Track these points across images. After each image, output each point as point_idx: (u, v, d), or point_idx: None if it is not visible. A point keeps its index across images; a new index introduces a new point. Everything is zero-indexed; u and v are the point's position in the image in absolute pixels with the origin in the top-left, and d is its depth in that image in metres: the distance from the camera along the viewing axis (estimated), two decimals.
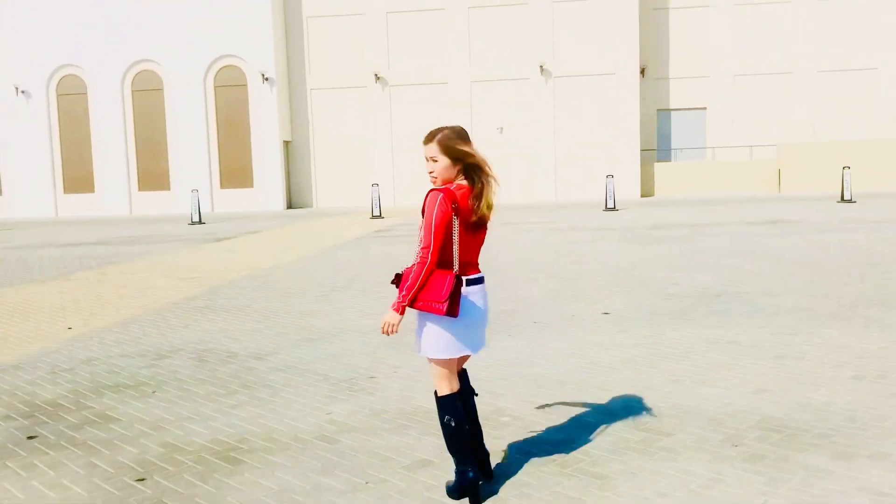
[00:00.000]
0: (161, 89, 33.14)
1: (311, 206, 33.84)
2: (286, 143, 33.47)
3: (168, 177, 33.47)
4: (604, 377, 5.43)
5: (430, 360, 3.46)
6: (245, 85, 32.59)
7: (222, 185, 33.14)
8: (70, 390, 5.54)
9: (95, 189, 33.93)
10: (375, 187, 25.47)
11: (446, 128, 3.43)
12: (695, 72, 33.29)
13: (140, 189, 33.74)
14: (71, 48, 33.19)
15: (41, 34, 33.20)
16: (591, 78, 31.79)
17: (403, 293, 3.32)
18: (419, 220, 3.37)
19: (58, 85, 33.74)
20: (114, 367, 6.16)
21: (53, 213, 34.18)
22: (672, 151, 33.92)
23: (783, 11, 32.64)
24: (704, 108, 33.53)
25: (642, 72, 32.24)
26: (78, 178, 34.08)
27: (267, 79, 32.09)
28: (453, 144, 3.35)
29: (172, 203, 33.23)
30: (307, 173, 33.88)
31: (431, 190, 3.35)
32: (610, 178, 24.53)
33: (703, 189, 32.03)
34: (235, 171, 33.07)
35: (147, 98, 33.29)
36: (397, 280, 3.40)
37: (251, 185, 33.05)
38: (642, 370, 5.58)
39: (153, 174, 33.59)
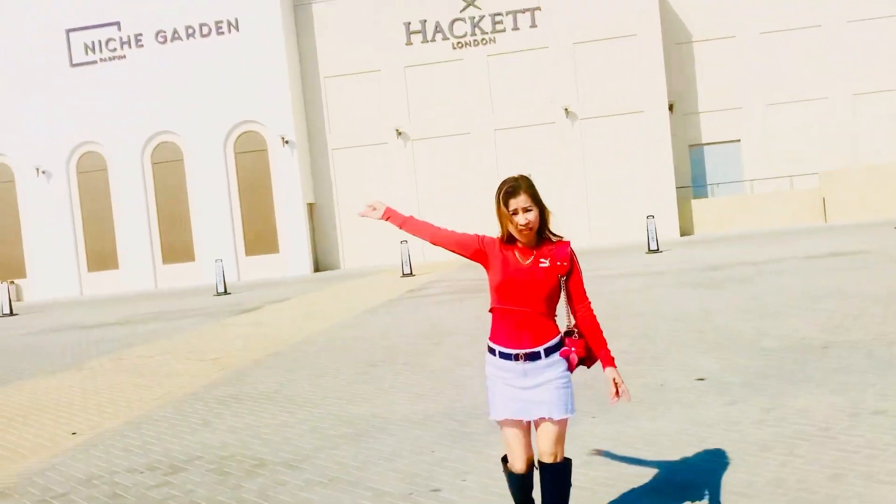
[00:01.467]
0: (181, 160, 32.69)
1: (338, 268, 32.91)
2: (310, 205, 32.73)
3: (192, 247, 32.79)
4: (738, 474, 4.19)
5: (563, 422, 3.27)
6: (265, 149, 32.04)
7: (247, 253, 32.37)
8: None
9: (119, 265, 33.30)
10: (404, 244, 24.47)
11: (520, 176, 3.27)
12: (725, 104, 32.25)
13: (164, 262, 33.06)
14: (89, 125, 32.96)
15: (60, 114, 33.05)
16: (618, 117, 30.84)
17: (606, 345, 3.32)
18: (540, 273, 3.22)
19: (78, 163, 33.44)
20: (117, 489, 5.03)
21: (78, 291, 33.56)
22: (708, 187, 32.69)
23: (812, 37, 31.63)
24: (738, 141, 32.37)
25: (671, 108, 31.24)
26: (101, 255, 33.51)
27: (287, 142, 31.52)
28: (538, 193, 3.22)
29: (198, 274, 32.47)
30: (333, 234, 33.05)
31: (563, 242, 3.28)
32: (651, 219, 23.32)
33: (743, 224, 30.67)
34: (260, 237, 32.32)
35: (167, 169, 32.84)
36: (566, 337, 3.28)
37: (276, 251, 32.23)
38: (783, 459, 4.34)
39: (177, 246, 32.93)
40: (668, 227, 30.10)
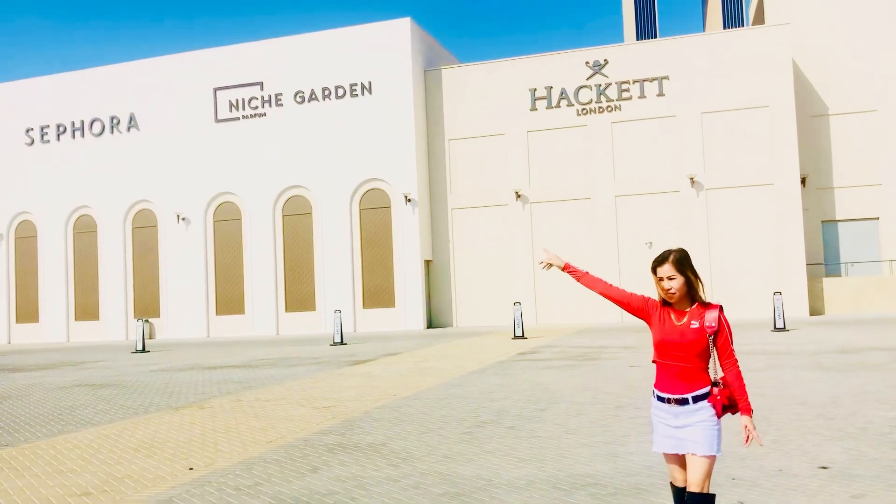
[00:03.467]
0: (310, 213, 34.14)
1: (451, 326, 33.15)
2: (427, 262, 33.33)
3: (314, 297, 33.94)
4: None
5: (708, 459, 3.74)
6: (389, 206, 33.03)
7: (365, 305, 33.19)
8: None
9: (245, 310, 34.84)
10: (517, 306, 24.43)
11: (675, 249, 3.88)
12: (863, 180, 30.78)
13: (287, 310, 34.34)
14: (227, 177, 35.09)
15: (202, 165, 35.38)
16: (746, 189, 29.97)
17: (746, 396, 3.79)
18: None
19: (215, 212, 35.51)
20: None
21: (206, 333, 35.27)
22: (841, 265, 31.03)
23: None
24: (877, 219, 30.71)
25: (803, 181, 30.09)
26: (230, 299, 35.20)
27: (409, 200, 32.40)
28: (685, 265, 3.81)
29: (317, 323, 33.51)
30: (447, 292, 33.42)
31: (713, 305, 3.83)
32: (778, 296, 22.32)
33: (880, 306, 28.85)
34: (378, 291, 33.10)
35: (296, 222, 34.36)
36: (713, 387, 3.76)
37: (392, 305, 32.88)
38: None
39: (300, 295, 34.18)
40: (797, 306, 28.69)
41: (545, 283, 31.83)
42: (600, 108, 31.64)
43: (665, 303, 3.85)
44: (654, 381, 3.91)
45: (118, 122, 37.12)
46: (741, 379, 3.79)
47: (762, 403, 9.31)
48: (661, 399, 3.82)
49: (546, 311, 31.67)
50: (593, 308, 30.73)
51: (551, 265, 4.32)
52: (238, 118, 35.19)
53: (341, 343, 24.87)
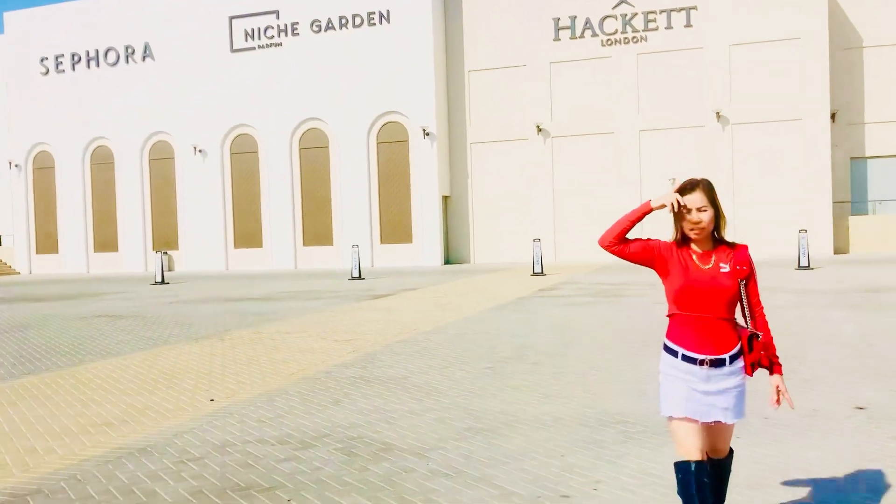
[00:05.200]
0: (327, 146, 33.77)
1: (468, 262, 33.03)
2: (445, 197, 33.03)
3: (331, 232, 33.84)
4: None
5: (734, 424, 3.34)
6: (406, 140, 32.58)
7: (382, 241, 33.07)
8: (192, 491, 4.53)
9: (263, 244, 34.86)
10: (537, 242, 24.18)
11: (702, 178, 3.31)
12: (894, 115, 29.86)
13: (305, 244, 34.30)
14: (244, 109, 34.65)
15: (218, 97, 34.91)
16: (773, 124, 29.22)
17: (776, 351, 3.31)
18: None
19: (232, 144, 35.22)
20: (249, 458, 5.14)
21: (224, 266, 35.39)
22: (869, 203, 30.42)
23: None
24: None
25: (833, 117, 29.28)
26: (247, 233, 35.18)
27: (428, 133, 31.91)
28: (715, 196, 3.26)
29: (335, 258, 33.50)
30: (465, 228, 33.18)
31: (741, 246, 3.28)
32: (803, 234, 21.93)
33: None
34: (395, 227, 32.93)
35: (313, 155, 34.01)
36: (753, 340, 3.23)
37: (410, 241, 32.74)
38: None
39: (317, 229, 34.09)
40: (822, 244, 28.26)
41: (565, 220, 31.50)
42: (626, 38, 30.72)
43: (681, 243, 3.25)
44: (668, 336, 3.28)
45: (133, 52, 36.58)
46: (769, 331, 3.29)
47: (791, 342, 9.11)
48: (689, 360, 3.19)
49: (565, 248, 31.41)
50: None
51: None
52: (254, 48, 34.54)
53: (359, 278, 24.83)
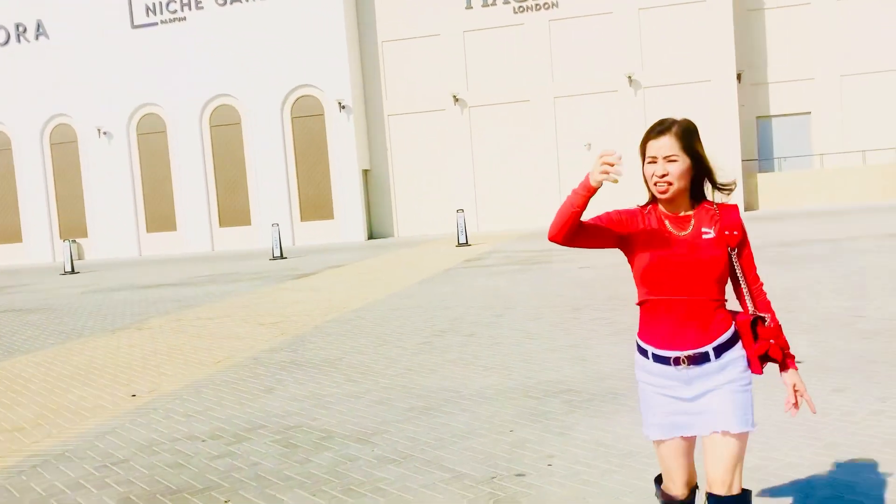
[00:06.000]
0: (239, 123, 32.71)
1: (392, 236, 32.72)
2: (365, 171, 32.52)
3: (248, 211, 32.92)
4: (864, 473, 3.74)
5: (739, 438, 2.48)
6: (322, 114, 31.84)
7: (302, 218, 32.37)
8: (119, 499, 4.18)
9: (177, 227, 33.66)
10: (460, 213, 24.06)
11: (681, 119, 2.58)
12: (796, 74, 30.86)
13: (221, 225, 33.28)
14: (149, 87, 33.15)
15: (121, 76, 33.28)
16: (683, 87, 29.79)
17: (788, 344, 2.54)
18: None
19: (138, 124, 33.73)
20: (179, 457, 4.80)
21: (137, 252, 34.06)
22: (775, 161, 31.47)
23: (891, 4, 29.96)
24: (809, 113, 31.01)
25: (739, 77, 30.03)
26: (160, 216, 33.89)
27: (344, 107, 31.25)
28: (694, 142, 2.54)
29: (253, 237, 32.63)
30: (387, 202, 32.80)
31: (729, 206, 2.60)
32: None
33: (812, 200, 29.48)
34: (315, 203, 32.26)
35: (225, 133, 32.90)
36: (759, 325, 2.50)
37: (331, 217, 32.16)
38: None
39: (234, 209, 33.09)
40: (733, 201, 29.04)
41: (486, 190, 31.48)
42: (537, 5, 30.66)
43: (650, 207, 2.55)
44: (638, 333, 2.61)
45: (24, 30, 34.44)
46: (775, 314, 2.55)
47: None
48: (661, 360, 2.50)
49: (488, 217, 31.43)
50: (534, 212, 30.63)
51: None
52: (156, 23, 32.96)
53: (281, 257, 24.23)
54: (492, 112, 31.43)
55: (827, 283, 9.84)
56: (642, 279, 2.53)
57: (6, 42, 34.68)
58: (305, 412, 5.64)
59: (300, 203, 32.35)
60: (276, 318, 10.67)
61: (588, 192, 2.32)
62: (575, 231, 2.39)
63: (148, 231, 34.08)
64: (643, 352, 2.59)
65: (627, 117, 30.17)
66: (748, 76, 30.99)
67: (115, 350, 9.11)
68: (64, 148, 34.68)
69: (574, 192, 2.36)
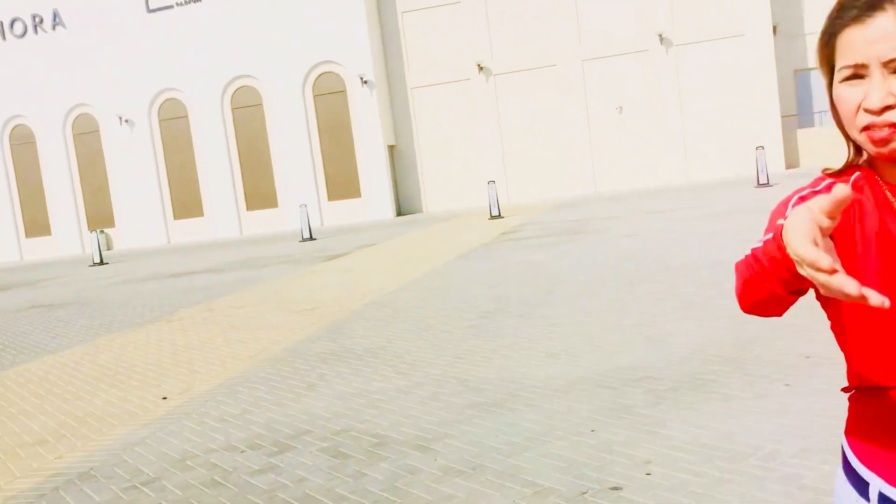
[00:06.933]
0: (261, 104, 32.14)
1: (420, 212, 32.08)
2: (390, 147, 31.84)
3: (275, 193, 32.44)
4: None
5: None
6: (344, 91, 31.14)
7: (330, 198, 31.82)
8: None
9: (204, 212, 33.32)
10: (492, 185, 23.35)
11: None
12: None
13: (248, 209, 32.87)
14: (169, 72, 32.66)
15: (139, 61, 32.83)
16: (717, 42, 28.62)
17: None
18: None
19: (160, 110, 33.31)
20: (216, 473, 4.24)
21: (165, 239, 33.82)
22: (815, 115, 30.24)
23: None
24: None
25: (774, 30, 28.79)
26: (186, 202, 33.55)
27: (366, 82, 30.52)
28: None
29: (281, 220, 32.19)
30: (414, 177, 32.12)
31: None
32: (760, 151, 21.51)
33: None
34: (342, 182, 31.68)
35: (248, 115, 32.36)
36: None
37: (359, 195, 31.57)
38: None
39: (260, 192, 32.64)
40: (773, 160, 28.00)
41: (515, 160, 30.67)
42: None
43: (854, 172, 1.28)
44: (850, 444, 1.35)
45: (41, 21, 34.06)
46: None
47: None
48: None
49: (518, 188, 30.64)
50: (566, 181, 29.82)
51: None
52: (171, 6, 32.37)
53: (310, 238, 23.72)
54: (518, 79, 30.51)
55: None
56: (861, 340, 1.27)
57: (24, 34, 34.33)
58: (353, 413, 5.06)
59: (326, 182, 31.79)
60: (310, 305, 10.12)
61: (779, 255, 1.10)
62: (773, 298, 1.19)
63: (175, 218, 33.78)
64: (859, 483, 1.31)
65: (659, 77, 29.11)
66: (784, 28, 29.69)
67: (145, 346, 8.62)
68: (86, 138, 34.40)
69: (760, 257, 1.17)
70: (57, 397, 6.62)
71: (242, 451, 4.56)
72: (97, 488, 4.25)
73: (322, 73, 31.30)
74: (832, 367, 4.67)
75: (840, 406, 3.87)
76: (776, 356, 5.09)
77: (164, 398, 6.12)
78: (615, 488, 3.41)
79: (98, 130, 34.13)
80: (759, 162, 21.16)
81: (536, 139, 30.35)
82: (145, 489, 4.14)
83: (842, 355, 1.35)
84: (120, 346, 8.77)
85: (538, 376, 5.36)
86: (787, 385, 4.49)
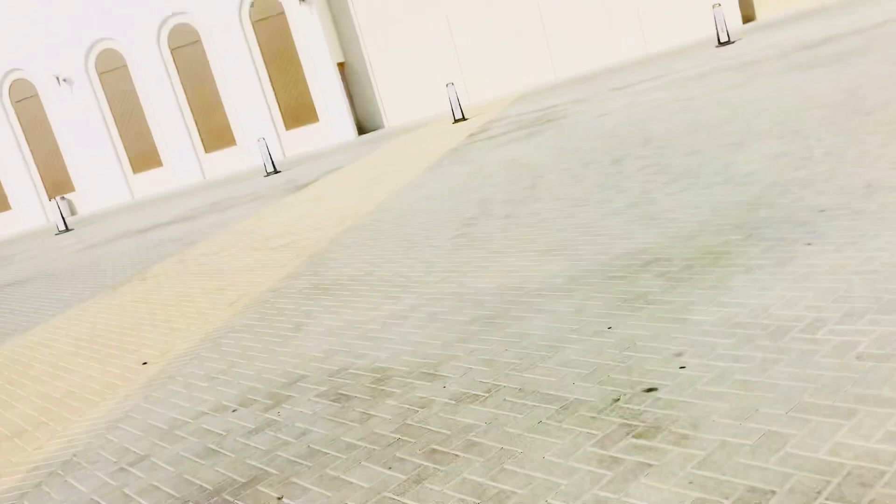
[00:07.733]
0: (199, 41, 30.70)
1: (382, 127, 31.23)
2: (340, 65, 30.68)
3: (231, 131, 31.41)
4: None
5: None
6: (283, 13, 29.74)
7: (287, 127, 30.86)
8: None
9: (163, 162, 32.29)
10: (451, 87, 22.55)
11: None
12: None
13: (207, 151, 31.88)
14: (99, 22, 30.98)
15: (65, 15, 31.05)
16: None
17: None
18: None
19: (96, 63, 31.78)
20: (209, 440, 3.86)
21: (129, 196, 32.88)
22: None
23: None
24: None
25: None
26: (143, 155, 32.48)
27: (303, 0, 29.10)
28: None
29: (242, 157, 31.29)
30: (370, 92, 31.12)
31: None
32: (718, 8, 20.78)
33: (810, 2, 27.57)
34: (297, 109, 30.65)
35: (188, 54, 30.95)
36: None
37: (316, 120, 30.62)
38: None
39: (216, 132, 31.59)
40: (729, 15, 27.27)
41: (469, 59, 29.68)
42: None
43: None
44: None
45: None
46: None
47: (786, 114, 8.08)
48: None
49: (477, 87, 29.79)
50: (525, 72, 28.97)
51: None
52: None
53: (275, 171, 23.00)
54: None
55: (887, 77, 8.62)
56: None
57: None
58: (348, 348, 4.67)
59: (281, 112, 30.77)
60: (286, 239, 9.64)
61: None
62: None
63: (134, 172, 32.77)
64: None
65: None
66: None
67: (119, 310, 8.16)
68: (27, 104, 32.94)
69: None
70: (32, 380, 6.19)
71: (235, 410, 4.18)
72: (82, 477, 3.86)
73: None
74: (850, 217, 4.30)
75: (874, 258, 3.48)
76: (787, 214, 4.72)
77: (145, 363, 5.71)
78: (650, 389, 3.05)
79: (37, 95, 32.64)
80: (718, 20, 20.47)
81: (489, 34, 29.32)
82: (134, 470, 3.76)
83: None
84: (93, 315, 8.30)
85: (538, 278, 4.98)
86: (809, 244, 4.13)
